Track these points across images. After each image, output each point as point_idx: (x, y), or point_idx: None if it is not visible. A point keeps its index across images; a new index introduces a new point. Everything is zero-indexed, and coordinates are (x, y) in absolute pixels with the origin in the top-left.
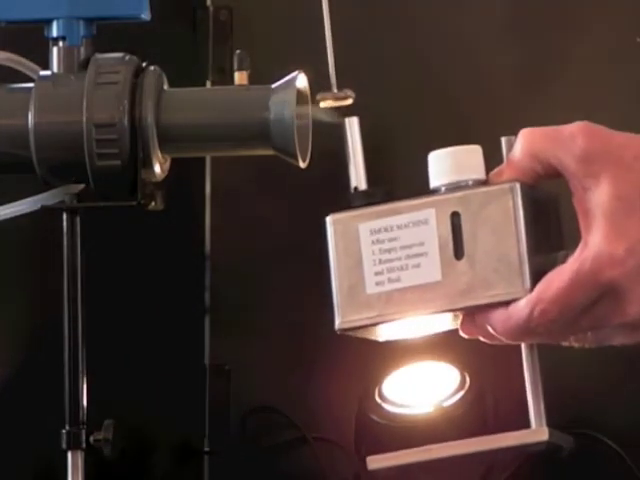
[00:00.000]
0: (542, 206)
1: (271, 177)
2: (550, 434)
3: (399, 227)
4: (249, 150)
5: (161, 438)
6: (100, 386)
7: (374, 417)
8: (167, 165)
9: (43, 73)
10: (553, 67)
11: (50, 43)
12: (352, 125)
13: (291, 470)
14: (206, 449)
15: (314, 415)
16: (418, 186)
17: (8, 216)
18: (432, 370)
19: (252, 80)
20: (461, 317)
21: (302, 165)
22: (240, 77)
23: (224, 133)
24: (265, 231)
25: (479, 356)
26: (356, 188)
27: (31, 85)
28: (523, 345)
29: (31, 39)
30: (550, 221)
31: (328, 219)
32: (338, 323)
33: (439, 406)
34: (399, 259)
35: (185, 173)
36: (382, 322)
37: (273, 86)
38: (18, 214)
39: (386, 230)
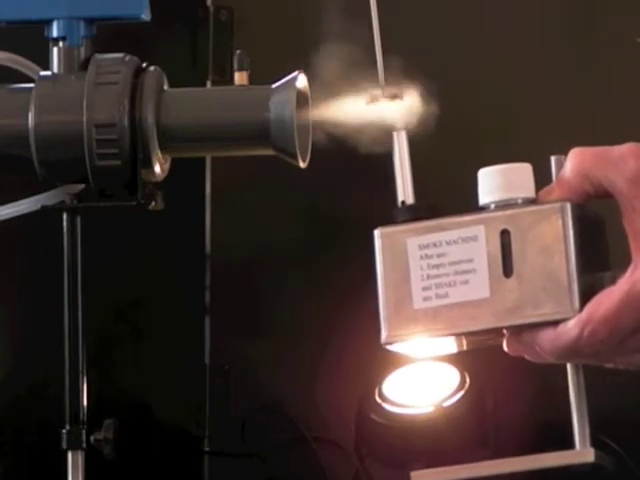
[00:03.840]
0: (591, 226)
1: (271, 177)
2: (595, 456)
3: (448, 243)
4: (249, 150)
5: (161, 438)
6: (100, 386)
7: (374, 417)
8: (167, 165)
9: (43, 73)
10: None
11: (50, 43)
12: (400, 138)
13: (291, 470)
14: (206, 449)
15: (314, 415)
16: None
17: (8, 216)
18: (432, 370)
19: (252, 80)
20: (506, 335)
21: (302, 165)
22: (240, 77)
23: (224, 133)
24: (265, 231)
25: (479, 356)
26: (403, 202)
27: (31, 85)
28: (569, 365)
29: (31, 39)
30: (598, 241)
31: (376, 233)
32: (384, 337)
33: (439, 406)
34: (447, 275)
35: (185, 173)
36: (428, 337)
37: (273, 86)
38: (18, 214)
39: (435, 246)
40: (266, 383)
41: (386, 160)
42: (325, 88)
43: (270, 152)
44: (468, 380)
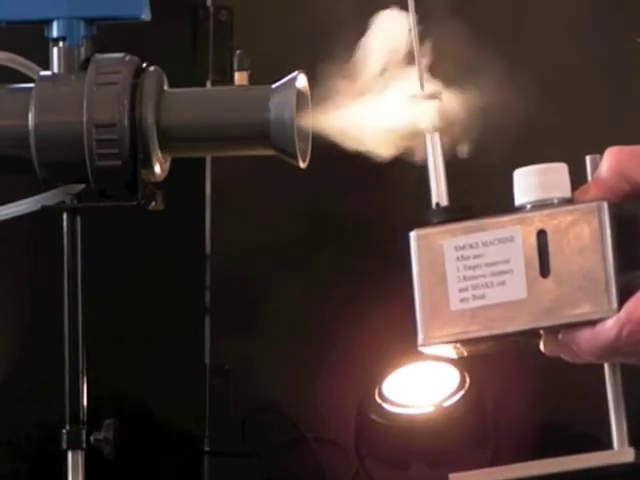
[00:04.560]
0: (626, 225)
1: (271, 177)
2: (635, 455)
3: (484, 244)
4: (249, 150)
5: (161, 438)
6: (100, 386)
7: (374, 417)
8: (167, 165)
9: (43, 73)
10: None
11: (50, 43)
12: (434, 140)
13: (291, 470)
14: (206, 449)
15: (314, 415)
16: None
17: (8, 216)
18: (432, 370)
19: (252, 80)
20: (543, 335)
21: (302, 165)
22: (240, 77)
23: (224, 133)
24: (265, 231)
25: (479, 356)
26: (437, 204)
27: (31, 85)
28: (606, 365)
29: (31, 39)
30: (633, 241)
31: (412, 234)
32: (421, 339)
33: (439, 406)
34: (484, 276)
35: (185, 173)
36: (466, 339)
37: (273, 86)
38: (18, 214)
39: (471, 247)
40: (266, 383)
41: (388, 161)
42: (326, 88)
43: (270, 152)
44: (468, 380)
